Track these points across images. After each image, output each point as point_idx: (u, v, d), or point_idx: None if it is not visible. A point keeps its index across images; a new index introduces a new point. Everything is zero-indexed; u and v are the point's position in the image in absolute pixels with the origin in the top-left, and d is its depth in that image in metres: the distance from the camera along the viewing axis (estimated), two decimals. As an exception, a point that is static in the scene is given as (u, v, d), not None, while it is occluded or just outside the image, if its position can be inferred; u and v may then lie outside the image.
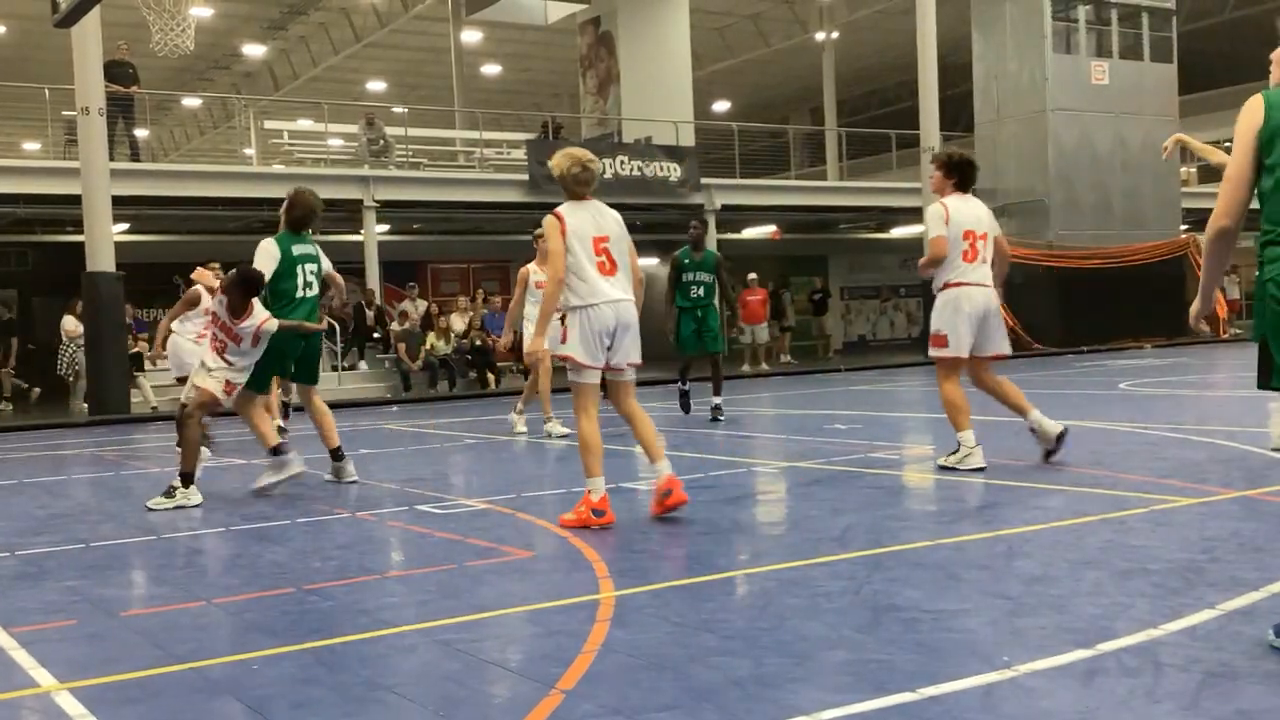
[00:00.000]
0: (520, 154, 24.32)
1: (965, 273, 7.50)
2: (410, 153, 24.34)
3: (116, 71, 19.06)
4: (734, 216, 26.57)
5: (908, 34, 24.83)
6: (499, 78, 37.63)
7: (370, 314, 21.19)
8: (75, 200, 16.84)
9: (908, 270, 30.75)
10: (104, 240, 16.65)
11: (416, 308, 21.58)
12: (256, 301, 7.81)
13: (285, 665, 3.84)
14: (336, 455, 8.31)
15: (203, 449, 8.40)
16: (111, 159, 17.43)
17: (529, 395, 11.62)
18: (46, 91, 20.63)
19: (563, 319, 6.25)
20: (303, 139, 23.80)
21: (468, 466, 9.98)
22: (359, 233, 21.77)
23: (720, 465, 8.54)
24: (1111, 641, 3.62)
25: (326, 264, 8.43)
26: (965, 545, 5.22)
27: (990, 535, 5.43)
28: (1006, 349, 7.80)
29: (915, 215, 25.00)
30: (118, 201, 17.31)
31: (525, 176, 22.58)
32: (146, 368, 17.85)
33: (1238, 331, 27.41)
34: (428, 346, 20.48)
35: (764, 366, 23.17)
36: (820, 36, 34.97)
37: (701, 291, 11.74)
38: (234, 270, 7.92)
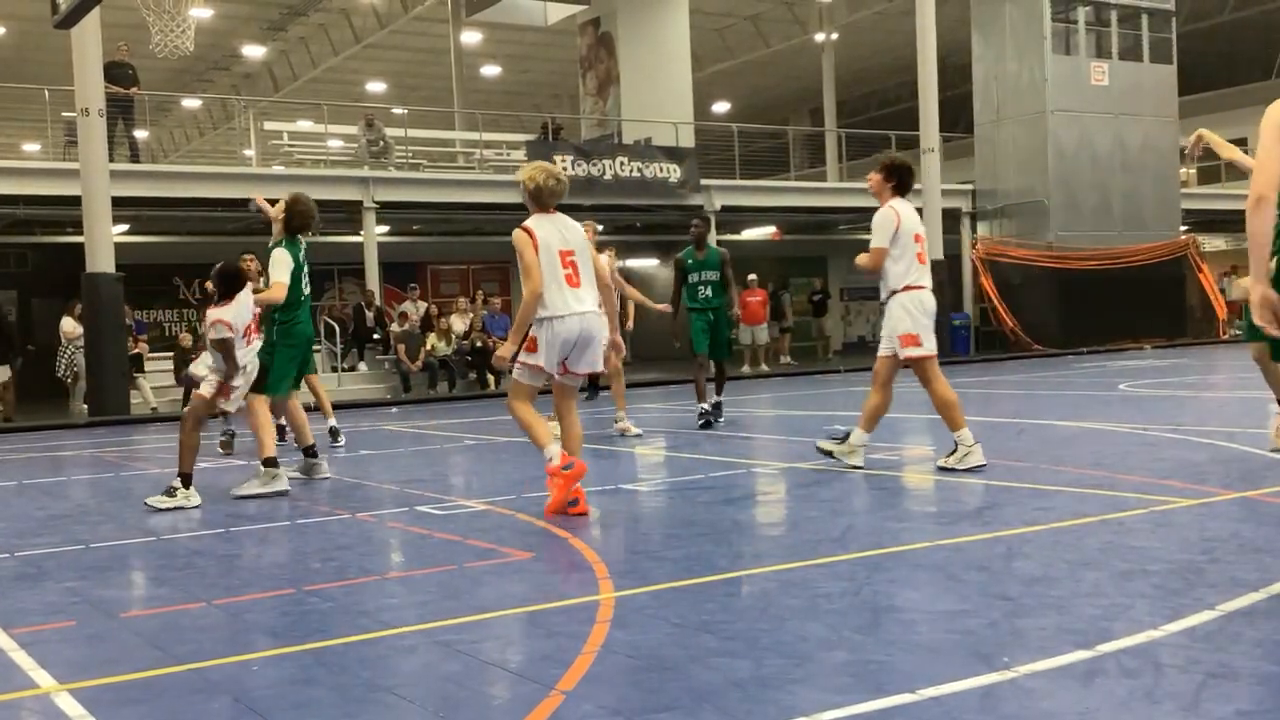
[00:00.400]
0: (520, 155, 24.29)
1: (921, 275, 7.75)
2: (410, 154, 24.35)
3: (116, 73, 19.07)
4: (734, 217, 26.57)
5: (907, 35, 24.85)
6: (499, 79, 37.64)
7: (370, 315, 21.20)
8: (75, 201, 16.85)
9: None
10: (104, 241, 16.66)
11: (416, 309, 21.58)
12: (241, 295, 7.94)
13: (285, 666, 3.84)
14: (309, 452, 8.64)
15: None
16: (111, 160, 17.44)
17: (621, 398, 11.37)
18: (46, 92, 20.64)
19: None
20: (302, 140, 23.82)
21: (468, 467, 9.98)
22: (359, 234, 21.78)
23: (720, 466, 8.55)
24: (1111, 642, 3.62)
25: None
26: (965, 546, 5.22)
27: (990, 536, 5.43)
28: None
29: (915, 216, 24.95)
30: (117, 203, 17.31)
31: (525, 177, 22.53)
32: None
33: (1237, 333, 27.42)
34: (428, 347, 20.48)
35: (764, 367, 23.19)
36: (820, 37, 34.98)
37: (710, 291, 11.51)
38: (219, 265, 8.17)
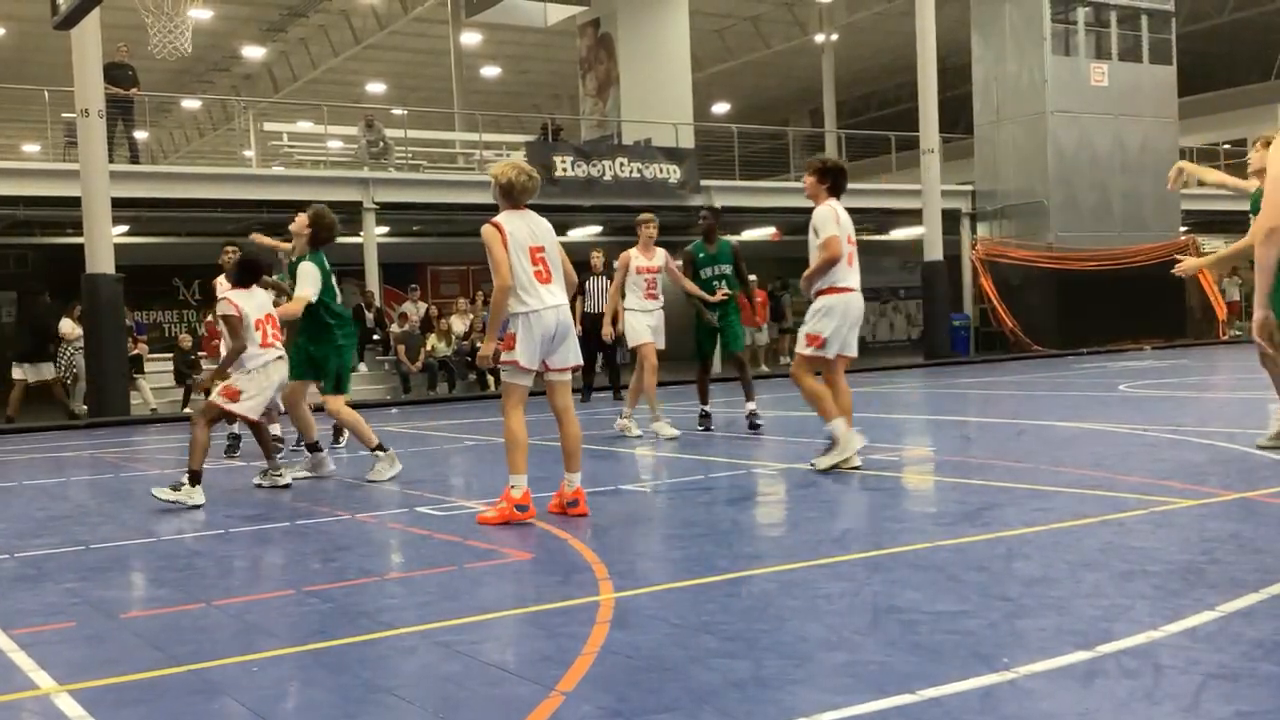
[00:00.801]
0: (520, 156, 24.31)
1: (848, 277, 7.82)
2: (410, 155, 24.35)
3: (116, 73, 19.06)
4: (734, 218, 26.55)
5: (907, 36, 24.85)
6: (498, 80, 37.66)
7: (370, 316, 21.20)
8: (75, 202, 16.84)
9: (908, 272, 30.76)
10: (103, 242, 16.65)
11: (416, 309, 21.59)
12: (257, 289, 8.41)
13: (285, 667, 3.84)
14: (313, 448, 8.88)
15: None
16: (111, 161, 17.43)
17: (635, 396, 11.13)
18: (46, 93, 20.64)
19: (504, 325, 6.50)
20: (302, 141, 23.82)
21: (467, 468, 9.98)
22: (359, 235, 21.78)
23: (720, 467, 8.55)
24: (1111, 643, 3.62)
25: None
26: (964, 547, 5.22)
27: (990, 537, 5.43)
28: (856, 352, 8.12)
29: (915, 217, 24.99)
30: (117, 203, 17.30)
31: (525, 178, 22.54)
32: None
33: (1237, 334, 27.42)
34: (427, 348, 20.49)
35: (764, 368, 23.17)
36: (820, 38, 35.00)
37: (725, 285, 11.51)
38: (239, 255, 8.87)
